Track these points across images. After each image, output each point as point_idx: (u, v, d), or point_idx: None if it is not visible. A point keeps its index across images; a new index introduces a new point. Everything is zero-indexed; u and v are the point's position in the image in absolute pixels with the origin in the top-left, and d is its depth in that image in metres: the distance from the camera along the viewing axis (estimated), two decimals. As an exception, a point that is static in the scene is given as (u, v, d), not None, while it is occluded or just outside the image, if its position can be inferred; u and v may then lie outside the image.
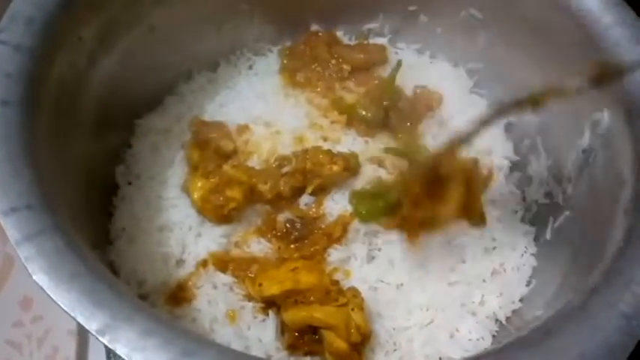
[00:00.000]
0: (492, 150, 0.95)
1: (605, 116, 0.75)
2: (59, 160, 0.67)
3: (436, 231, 0.80)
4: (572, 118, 0.83)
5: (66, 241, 0.54)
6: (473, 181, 0.80)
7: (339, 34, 1.06)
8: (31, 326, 0.93)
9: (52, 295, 0.50)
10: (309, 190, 0.85)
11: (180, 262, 0.83)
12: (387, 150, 0.90)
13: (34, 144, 0.61)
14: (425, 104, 0.96)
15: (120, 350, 0.48)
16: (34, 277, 0.51)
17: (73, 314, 0.50)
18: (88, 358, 0.90)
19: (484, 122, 0.64)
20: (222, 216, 0.83)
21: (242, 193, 0.82)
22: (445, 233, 0.84)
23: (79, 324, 0.88)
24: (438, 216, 0.76)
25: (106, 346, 0.85)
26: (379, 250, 0.85)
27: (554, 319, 0.59)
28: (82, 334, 0.92)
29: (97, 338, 0.49)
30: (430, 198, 0.77)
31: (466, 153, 0.90)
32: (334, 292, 0.76)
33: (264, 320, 0.78)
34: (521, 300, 0.85)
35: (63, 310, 0.50)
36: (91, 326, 0.49)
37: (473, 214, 0.80)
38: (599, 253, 0.66)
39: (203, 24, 0.97)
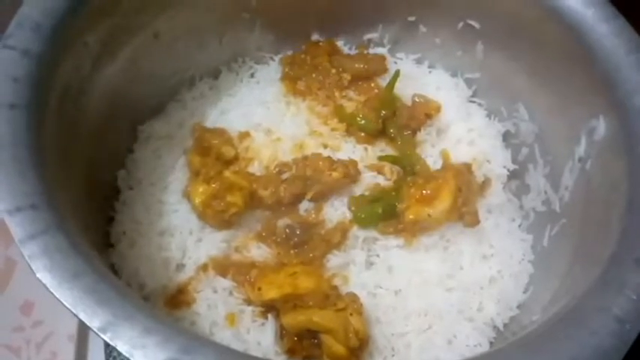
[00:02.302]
0: (491, 159, 0.96)
1: (601, 123, 0.76)
2: (63, 163, 0.68)
3: (431, 230, 0.81)
4: (568, 126, 0.84)
5: (69, 240, 0.55)
6: (465, 184, 0.82)
7: (340, 43, 1.07)
8: (31, 331, 0.93)
9: (54, 293, 0.51)
10: (309, 196, 0.86)
11: (180, 267, 0.84)
12: (382, 158, 0.91)
13: (39, 146, 0.62)
14: (424, 113, 0.97)
15: (121, 347, 0.49)
16: (38, 275, 0.52)
17: (75, 312, 0.51)
18: (87, 363, 0.90)
19: None
20: (223, 221, 0.84)
21: (242, 198, 0.83)
22: (442, 237, 0.85)
23: (79, 328, 0.91)
24: (432, 216, 0.79)
25: (105, 352, 0.87)
26: (378, 256, 0.86)
27: (549, 323, 0.60)
28: (82, 339, 0.92)
29: (98, 335, 0.50)
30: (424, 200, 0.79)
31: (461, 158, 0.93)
32: (333, 297, 0.77)
33: (263, 324, 0.78)
34: (518, 307, 0.85)
35: (65, 307, 0.51)
36: (93, 324, 0.50)
37: (466, 216, 0.82)
38: (595, 258, 0.66)
39: (205, 32, 0.98)
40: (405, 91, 0.99)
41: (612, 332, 0.56)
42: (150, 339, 0.50)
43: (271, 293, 0.76)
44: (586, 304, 0.59)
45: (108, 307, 0.51)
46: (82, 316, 0.50)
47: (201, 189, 0.84)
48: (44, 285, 0.52)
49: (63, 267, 0.53)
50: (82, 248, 0.56)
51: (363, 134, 0.95)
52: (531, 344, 0.57)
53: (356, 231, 0.85)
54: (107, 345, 0.87)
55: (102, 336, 0.50)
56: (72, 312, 0.51)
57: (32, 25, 0.68)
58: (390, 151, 0.94)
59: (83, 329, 0.92)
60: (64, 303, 0.51)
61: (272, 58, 1.07)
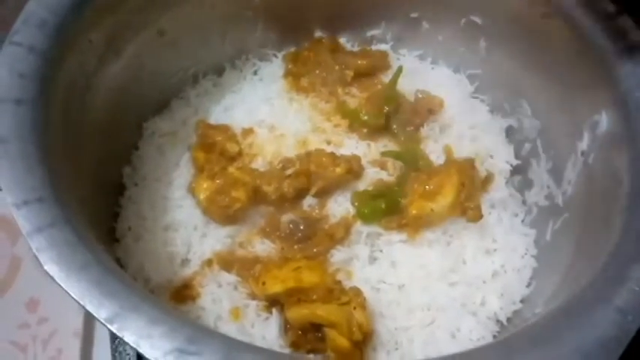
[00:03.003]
0: (493, 154, 0.97)
1: (603, 118, 0.77)
2: (69, 159, 0.69)
3: (434, 225, 0.82)
4: (571, 121, 0.85)
5: (76, 233, 0.56)
6: (468, 179, 0.82)
7: (343, 40, 1.08)
8: (37, 328, 0.93)
9: (62, 285, 0.52)
10: (313, 191, 0.87)
11: (185, 261, 0.84)
12: (385, 153, 0.92)
13: (46, 142, 0.63)
14: (426, 109, 0.98)
15: (128, 338, 0.50)
16: (45, 267, 0.53)
17: (82, 303, 0.51)
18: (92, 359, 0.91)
19: None
20: (227, 216, 0.84)
21: (246, 194, 0.84)
22: (445, 232, 0.86)
23: (84, 324, 0.91)
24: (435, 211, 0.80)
25: (111, 348, 0.88)
26: (381, 251, 0.86)
27: (552, 315, 0.60)
28: (87, 336, 0.93)
29: (105, 326, 0.50)
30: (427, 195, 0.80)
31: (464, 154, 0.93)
32: (336, 291, 0.78)
33: (267, 318, 0.79)
34: (522, 301, 0.86)
35: (72, 298, 0.51)
36: (100, 315, 0.51)
37: (469, 211, 0.82)
38: (597, 251, 0.67)
39: (209, 29, 0.99)
40: (407, 87, 0.99)
41: (614, 323, 0.56)
42: (156, 329, 0.50)
43: (275, 287, 0.77)
44: (588, 296, 0.60)
45: (115, 298, 0.52)
46: (89, 308, 0.51)
47: (205, 185, 0.85)
48: (51, 277, 0.52)
49: (70, 259, 0.54)
50: (89, 241, 0.57)
51: (365, 130, 0.95)
52: (534, 335, 0.57)
53: (359, 226, 0.86)
54: (113, 341, 0.88)
55: (109, 327, 0.50)
56: (79, 303, 0.51)
57: (38, 21, 0.69)
58: (392, 146, 0.95)
59: (89, 326, 0.92)
60: (71, 294, 0.51)
61: (275, 55, 1.07)
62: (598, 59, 0.78)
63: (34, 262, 0.94)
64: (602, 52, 0.78)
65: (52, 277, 0.52)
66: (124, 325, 0.50)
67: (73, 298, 0.51)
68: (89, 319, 0.92)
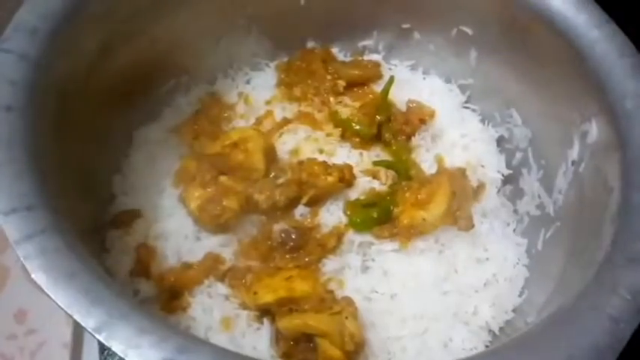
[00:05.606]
0: (485, 163, 0.97)
1: (593, 126, 0.77)
2: (59, 167, 0.68)
3: (426, 234, 0.83)
4: (561, 130, 0.85)
5: (65, 241, 0.55)
6: (460, 188, 0.83)
7: (335, 50, 1.08)
8: (25, 339, 0.92)
9: (50, 294, 0.51)
10: (304, 200, 0.86)
11: (175, 271, 0.83)
12: (377, 162, 0.92)
13: (36, 149, 0.62)
14: (418, 118, 0.98)
15: (116, 347, 0.49)
16: (33, 276, 0.52)
17: (70, 312, 0.50)
18: (80, 371, 0.90)
19: None
20: (219, 225, 0.84)
21: (238, 203, 0.83)
22: (436, 241, 0.86)
23: (73, 336, 0.90)
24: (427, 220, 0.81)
25: (100, 359, 0.87)
26: (373, 260, 0.86)
27: (544, 323, 0.60)
28: (76, 347, 0.92)
29: (93, 336, 0.50)
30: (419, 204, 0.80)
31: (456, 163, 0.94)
32: (328, 301, 0.77)
33: (258, 328, 0.78)
34: (514, 310, 0.86)
35: (60, 307, 0.51)
36: (88, 324, 0.50)
37: (460, 220, 0.83)
38: (589, 260, 0.67)
39: (202, 38, 0.99)
40: (399, 97, 1.00)
41: (606, 331, 0.56)
42: (145, 339, 0.50)
43: (267, 297, 0.77)
44: (580, 304, 0.60)
45: (103, 307, 0.51)
46: (77, 317, 0.50)
47: (197, 193, 0.84)
48: (39, 285, 0.52)
49: (59, 267, 0.53)
50: (78, 249, 0.56)
51: (358, 139, 0.95)
52: (526, 344, 0.58)
53: (351, 235, 0.86)
54: (101, 352, 0.87)
55: (97, 336, 0.49)
56: (66, 312, 0.51)
57: (29, 29, 0.68)
58: (384, 156, 0.95)
59: (77, 337, 0.92)
60: (59, 303, 0.51)
61: (267, 65, 1.07)
62: (588, 68, 0.79)
63: (23, 272, 0.94)
64: (592, 60, 0.79)
65: (39, 286, 0.52)
66: (112, 335, 0.50)
67: (60, 307, 0.50)
68: (78, 331, 0.91)
